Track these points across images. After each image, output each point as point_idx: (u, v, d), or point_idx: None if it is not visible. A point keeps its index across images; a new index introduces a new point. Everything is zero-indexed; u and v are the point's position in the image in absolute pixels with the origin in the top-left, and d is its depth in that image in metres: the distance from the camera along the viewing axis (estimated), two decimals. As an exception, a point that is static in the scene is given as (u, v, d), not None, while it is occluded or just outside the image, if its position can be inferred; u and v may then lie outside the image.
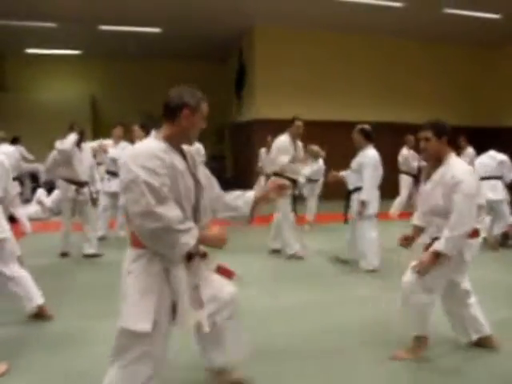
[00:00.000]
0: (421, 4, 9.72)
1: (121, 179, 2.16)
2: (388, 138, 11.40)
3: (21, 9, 9.92)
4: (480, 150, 7.59)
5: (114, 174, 6.80)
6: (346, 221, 5.75)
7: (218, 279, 2.48)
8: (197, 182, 2.31)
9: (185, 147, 2.36)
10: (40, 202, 8.96)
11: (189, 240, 2.08)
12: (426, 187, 3.24)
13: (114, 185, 6.81)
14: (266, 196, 2.61)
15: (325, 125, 10.91)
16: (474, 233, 3.11)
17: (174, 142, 2.26)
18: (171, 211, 2.06)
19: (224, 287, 2.51)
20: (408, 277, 3.16)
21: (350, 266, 5.74)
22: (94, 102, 15.44)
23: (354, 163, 5.61)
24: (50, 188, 9.97)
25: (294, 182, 6.11)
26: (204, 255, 2.35)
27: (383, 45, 12.60)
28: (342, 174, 5.85)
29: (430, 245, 3.11)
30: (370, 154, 5.47)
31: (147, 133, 6.25)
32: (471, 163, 9.72)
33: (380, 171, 5.57)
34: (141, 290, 2.13)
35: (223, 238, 2.26)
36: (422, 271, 3.01)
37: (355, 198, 5.56)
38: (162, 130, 2.27)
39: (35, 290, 3.86)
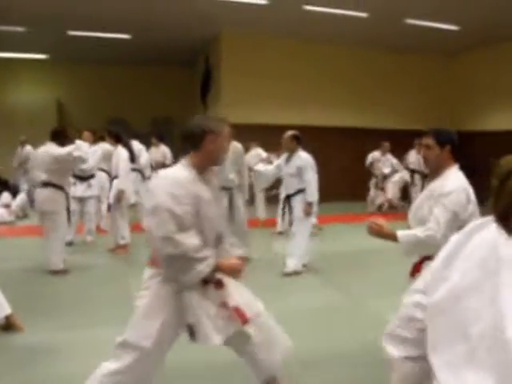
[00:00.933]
0: (384, 15, 10.02)
1: (147, 203, 2.31)
2: (353, 142, 11.77)
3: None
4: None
5: (81, 178, 6.82)
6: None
7: (245, 294, 2.46)
8: (220, 209, 2.47)
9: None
10: (6, 206, 8.89)
11: (204, 268, 2.20)
12: (417, 199, 3.01)
13: (79, 190, 6.84)
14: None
15: (290, 129, 11.06)
16: None
17: (202, 169, 2.36)
18: (190, 239, 2.17)
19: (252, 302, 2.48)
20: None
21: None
22: (61, 107, 15.30)
23: (291, 167, 5.66)
24: (14, 192, 9.89)
25: (229, 189, 5.79)
26: (219, 283, 2.32)
27: (349, 53, 12.89)
28: (257, 168, 6.17)
29: (419, 263, 2.83)
30: (306, 157, 5.66)
31: (116, 139, 6.39)
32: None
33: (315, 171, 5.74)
34: (150, 309, 2.28)
35: (239, 270, 2.39)
36: (372, 229, 2.74)
37: (298, 201, 5.64)
38: (190, 158, 2.36)
39: (2, 300, 3.63)
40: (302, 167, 5.59)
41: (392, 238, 2.70)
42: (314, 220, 5.84)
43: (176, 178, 2.27)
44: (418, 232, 2.69)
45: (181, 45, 13.00)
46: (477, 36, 11.44)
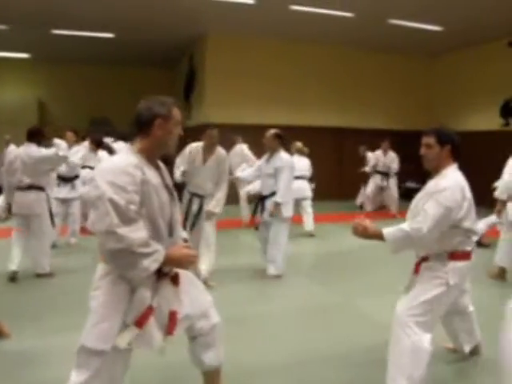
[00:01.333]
0: (369, 15, 10.04)
1: (91, 194, 2.14)
2: (337, 141, 11.82)
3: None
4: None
5: (65, 179, 6.71)
6: (255, 227, 5.73)
7: (193, 290, 2.43)
8: (171, 195, 2.30)
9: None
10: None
11: (150, 264, 2.03)
12: (416, 197, 2.98)
13: (63, 191, 6.74)
14: None
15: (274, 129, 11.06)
16: (464, 255, 2.82)
17: (150, 155, 2.21)
18: (135, 233, 1.99)
19: (200, 296, 2.48)
20: (402, 306, 2.81)
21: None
22: (42, 106, 15.11)
23: (269, 168, 5.51)
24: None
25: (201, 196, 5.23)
26: (175, 279, 2.27)
27: (334, 53, 12.93)
28: (239, 175, 6.06)
29: (419, 264, 2.89)
30: (285, 157, 5.49)
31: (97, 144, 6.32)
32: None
33: (293, 174, 5.60)
34: (105, 309, 2.10)
35: (191, 260, 2.24)
36: (357, 230, 2.73)
37: (270, 203, 5.42)
38: (137, 144, 2.21)
39: None
40: (279, 168, 5.40)
41: (378, 237, 2.68)
42: (288, 222, 5.59)
43: (118, 164, 2.08)
44: (405, 226, 2.66)
45: (165, 44, 12.92)
46: (460, 37, 11.52)
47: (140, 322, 2.10)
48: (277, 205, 5.34)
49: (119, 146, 7.30)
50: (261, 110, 12.02)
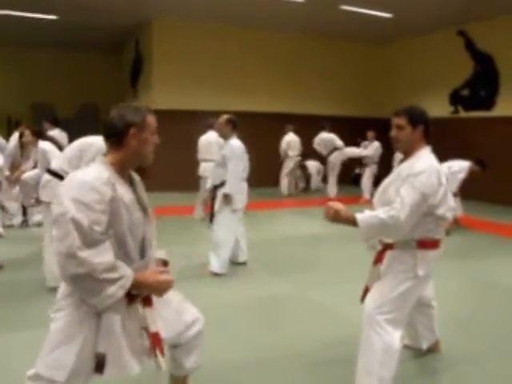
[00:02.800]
0: (320, 0, 9.89)
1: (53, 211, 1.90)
2: (279, 126, 11.67)
3: None
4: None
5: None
6: (210, 218, 5.37)
7: (167, 313, 2.22)
8: (145, 213, 2.08)
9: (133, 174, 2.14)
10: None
11: (116, 291, 1.83)
12: (384, 181, 2.80)
13: None
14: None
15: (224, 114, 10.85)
16: (433, 243, 2.67)
17: (124, 167, 2.02)
18: (99, 256, 1.79)
19: (183, 315, 2.30)
20: (371, 303, 2.66)
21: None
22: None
23: (219, 155, 5.29)
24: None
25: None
26: (147, 301, 2.05)
27: (284, 38, 12.75)
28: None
29: (382, 251, 2.74)
30: (234, 145, 5.13)
31: (39, 136, 5.58)
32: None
33: (245, 162, 5.26)
34: (63, 336, 1.90)
35: (167, 286, 2.02)
36: (328, 213, 2.55)
37: (221, 193, 5.15)
38: (109, 156, 2.00)
39: None
40: (227, 157, 5.10)
41: (350, 222, 2.49)
42: (239, 213, 5.31)
43: (85, 180, 1.86)
44: (380, 213, 2.47)
45: (111, 28, 12.44)
46: (410, 25, 11.52)
47: (158, 346, 2.02)
48: (226, 196, 5.07)
49: (54, 133, 6.89)
50: (210, 96, 11.74)
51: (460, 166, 7.07)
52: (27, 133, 5.90)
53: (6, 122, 12.57)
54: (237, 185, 5.12)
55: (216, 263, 5.16)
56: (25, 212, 7.21)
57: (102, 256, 1.80)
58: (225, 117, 5.25)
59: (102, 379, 1.94)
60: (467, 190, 7.31)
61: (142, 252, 2.07)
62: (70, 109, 14.39)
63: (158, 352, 2.01)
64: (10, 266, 5.21)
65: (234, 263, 5.46)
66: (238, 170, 5.12)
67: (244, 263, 5.54)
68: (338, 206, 2.53)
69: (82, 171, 1.98)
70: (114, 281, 1.82)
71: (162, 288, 2.01)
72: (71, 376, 1.88)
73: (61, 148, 5.05)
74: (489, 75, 10.99)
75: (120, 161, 2.00)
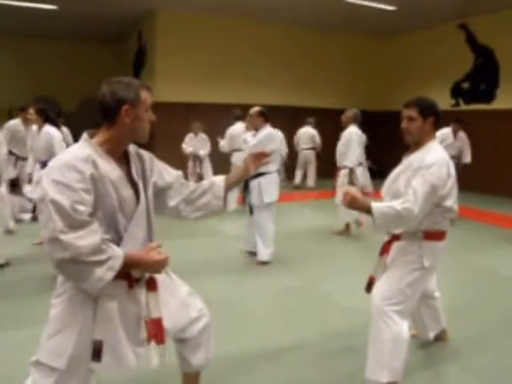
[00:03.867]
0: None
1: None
2: (286, 120, 11.76)
3: None
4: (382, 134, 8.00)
5: None
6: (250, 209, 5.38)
7: (173, 302, 2.19)
8: (136, 191, 1.99)
9: (132, 150, 2.07)
10: None
11: (104, 273, 1.75)
12: (393, 172, 2.82)
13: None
14: (245, 174, 2.40)
15: (226, 107, 10.85)
16: (439, 234, 2.71)
17: (116, 146, 1.94)
18: (83, 239, 1.71)
19: (189, 309, 2.26)
20: (379, 295, 2.69)
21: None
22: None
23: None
24: None
25: None
26: (152, 284, 2.02)
27: (288, 33, 12.72)
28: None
29: (389, 242, 2.77)
30: (264, 134, 5.16)
31: (45, 118, 5.38)
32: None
33: (276, 154, 5.25)
34: (61, 322, 1.88)
35: (159, 266, 1.94)
36: (345, 199, 2.57)
37: (255, 185, 5.17)
38: (101, 133, 1.94)
39: None
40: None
41: (366, 209, 2.52)
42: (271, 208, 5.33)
43: (64, 160, 1.80)
44: (395, 204, 2.49)
45: (113, 19, 12.34)
46: (412, 18, 11.52)
47: (156, 336, 1.94)
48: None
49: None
50: (213, 89, 11.74)
51: (442, 134, 7.23)
52: (31, 111, 5.37)
53: (7, 115, 12.52)
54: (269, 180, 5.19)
55: (264, 252, 5.25)
56: (35, 208, 7.23)
57: (87, 238, 1.72)
58: (256, 109, 5.27)
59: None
60: (468, 182, 7.36)
61: (136, 230, 2.00)
62: (72, 102, 14.35)
63: (153, 343, 1.95)
64: (19, 261, 5.14)
65: (253, 253, 5.50)
66: (264, 141, 5.04)
67: (254, 253, 5.52)
68: (356, 192, 2.60)
69: (66, 151, 1.94)
70: (101, 262, 1.75)
71: (154, 267, 1.94)
72: (71, 363, 1.85)
73: (68, 145, 4.92)
74: (489, 68, 11.05)
75: (111, 139, 1.93)
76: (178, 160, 10.51)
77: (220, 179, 2.32)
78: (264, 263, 5.25)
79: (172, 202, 2.23)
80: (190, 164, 9.37)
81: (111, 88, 1.90)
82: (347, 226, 6.59)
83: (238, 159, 7.78)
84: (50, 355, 1.85)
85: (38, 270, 4.69)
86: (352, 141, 6.31)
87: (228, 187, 2.31)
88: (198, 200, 2.27)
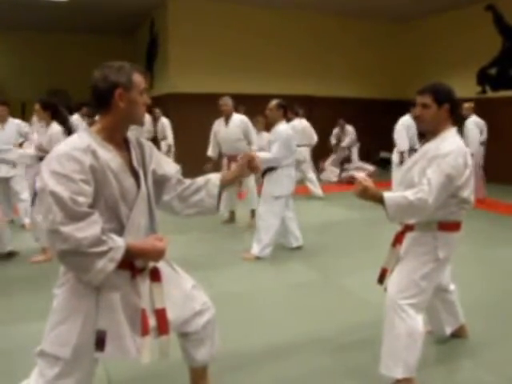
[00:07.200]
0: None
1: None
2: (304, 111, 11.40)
3: None
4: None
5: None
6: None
7: (177, 294, 2.16)
8: (138, 180, 1.96)
9: (132, 137, 2.03)
10: None
11: (105, 265, 1.74)
12: (408, 161, 2.79)
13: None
14: (240, 174, 2.30)
15: (241, 98, 10.57)
16: (454, 225, 2.63)
17: (113, 132, 1.91)
18: (83, 230, 1.69)
19: (193, 302, 2.22)
20: (393, 288, 2.62)
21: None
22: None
23: (265, 141, 5.30)
24: None
25: None
26: (155, 274, 2.01)
27: (302, 20, 12.38)
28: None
29: (402, 233, 2.70)
30: (280, 130, 5.08)
31: (52, 112, 4.91)
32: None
33: (292, 148, 5.18)
34: (65, 310, 1.86)
35: (161, 253, 1.92)
36: (356, 189, 2.47)
37: (267, 180, 5.15)
38: (97, 123, 1.94)
39: None
40: (271, 140, 5.08)
41: (377, 199, 2.45)
42: (282, 200, 5.15)
43: (63, 150, 1.77)
44: (409, 194, 2.42)
45: (124, 10, 12.12)
46: (429, 3, 11.10)
47: (144, 330, 1.92)
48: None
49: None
50: (227, 80, 11.44)
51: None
52: (37, 107, 4.95)
53: (20, 109, 12.41)
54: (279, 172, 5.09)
55: (256, 247, 5.12)
56: (34, 200, 6.96)
57: (87, 230, 1.71)
58: (274, 102, 5.17)
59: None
60: (490, 173, 7.02)
61: (138, 220, 1.98)
62: (86, 94, 14.19)
63: (151, 335, 1.95)
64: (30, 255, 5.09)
65: (290, 248, 5.43)
66: (280, 155, 4.99)
67: (299, 248, 5.44)
68: (368, 182, 2.47)
69: (62, 143, 1.89)
70: (102, 254, 1.74)
71: (153, 255, 1.93)
72: (75, 353, 1.84)
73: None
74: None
75: (108, 126, 1.91)
76: (190, 149, 10.31)
77: (216, 177, 2.26)
78: (251, 259, 5.10)
79: (166, 197, 2.20)
80: None
81: (103, 73, 1.88)
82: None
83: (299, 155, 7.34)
84: (55, 345, 1.86)
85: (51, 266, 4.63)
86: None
87: (223, 186, 2.26)
88: (192, 197, 2.22)
